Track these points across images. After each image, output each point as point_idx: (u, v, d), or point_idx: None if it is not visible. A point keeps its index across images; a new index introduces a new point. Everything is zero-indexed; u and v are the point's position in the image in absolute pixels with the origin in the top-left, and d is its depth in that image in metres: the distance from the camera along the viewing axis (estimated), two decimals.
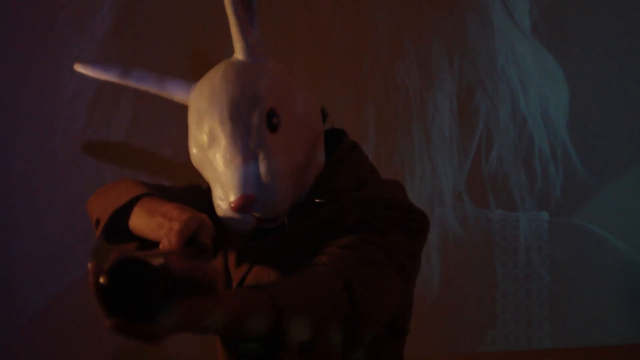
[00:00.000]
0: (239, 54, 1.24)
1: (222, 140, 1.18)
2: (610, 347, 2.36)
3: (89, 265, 0.79)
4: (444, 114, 2.33)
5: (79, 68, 1.33)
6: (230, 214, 1.19)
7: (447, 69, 2.34)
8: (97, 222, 1.28)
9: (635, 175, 2.40)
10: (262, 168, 1.18)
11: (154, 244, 1.17)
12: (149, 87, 1.30)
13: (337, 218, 1.24)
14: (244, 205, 1.15)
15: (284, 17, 2.28)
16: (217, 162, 1.19)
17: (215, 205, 1.21)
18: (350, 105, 2.28)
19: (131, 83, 1.30)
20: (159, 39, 2.25)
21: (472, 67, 2.35)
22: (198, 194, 1.38)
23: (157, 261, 0.79)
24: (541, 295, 2.36)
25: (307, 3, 2.27)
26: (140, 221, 1.23)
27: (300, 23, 2.26)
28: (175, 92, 1.28)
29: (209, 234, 1.12)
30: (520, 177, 2.36)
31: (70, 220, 2.21)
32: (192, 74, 2.18)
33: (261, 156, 1.18)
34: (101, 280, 0.76)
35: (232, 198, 1.16)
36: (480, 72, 2.35)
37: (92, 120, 2.24)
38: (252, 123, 1.18)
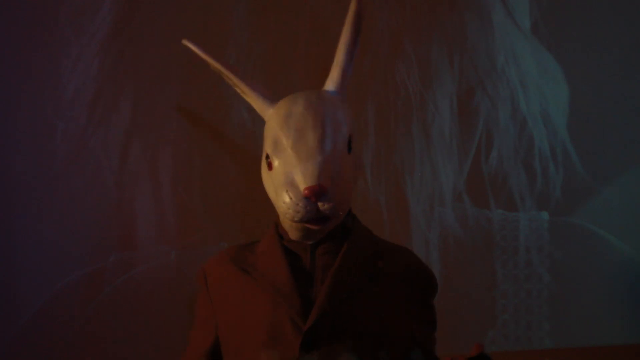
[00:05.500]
0: (331, 87, 1.50)
1: (311, 139, 1.38)
2: (610, 347, 2.36)
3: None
4: (444, 114, 2.33)
5: (188, 43, 1.65)
6: (298, 200, 1.34)
7: (447, 69, 2.34)
8: None
9: (635, 175, 2.40)
10: (337, 172, 1.36)
11: None
12: (239, 85, 1.55)
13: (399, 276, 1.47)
14: (317, 192, 1.31)
15: (284, 17, 2.28)
16: (300, 155, 1.36)
17: (283, 192, 1.36)
18: (350, 105, 2.28)
19: (227, 77, 1.57)
20: (159, 39, 2.25)
21: (472, 67, 2.35)
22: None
23: None
24: (541, 295, 2.36)
25: (307, 3, 2.27)
26: None
27: (301, 23, 2.26)
28: (258, 99, 1.51)
29: None
30: (520, 177, 2.36)
31: (70, 220, 2.21)
32: (192, 74, 2.17)
33: (338, 164, 1.38)
34: None
35: (309, 183, 1.32)
36: (480, 72, 2.35)
37: (92, 120, 2.24)
38: (338, 138, 1.40)
